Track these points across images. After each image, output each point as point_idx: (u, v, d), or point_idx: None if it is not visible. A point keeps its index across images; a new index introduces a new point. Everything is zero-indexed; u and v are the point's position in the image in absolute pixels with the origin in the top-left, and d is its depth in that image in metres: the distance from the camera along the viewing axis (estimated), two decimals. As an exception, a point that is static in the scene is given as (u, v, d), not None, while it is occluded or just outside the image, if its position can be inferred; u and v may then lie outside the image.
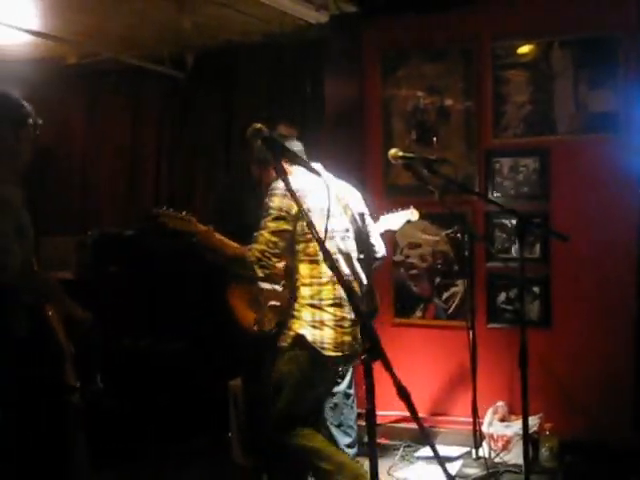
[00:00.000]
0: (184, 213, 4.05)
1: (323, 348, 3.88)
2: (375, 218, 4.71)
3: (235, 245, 3.95)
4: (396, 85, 5.75)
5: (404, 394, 2.28)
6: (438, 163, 4.45)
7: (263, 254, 3.83)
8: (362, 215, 4.25)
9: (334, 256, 3.91)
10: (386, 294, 5.77)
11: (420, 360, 5.62)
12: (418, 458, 5.25)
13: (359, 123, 5.89)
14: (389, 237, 5.24)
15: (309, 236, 3.87)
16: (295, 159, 3.88)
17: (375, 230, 4.41)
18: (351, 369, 4.87)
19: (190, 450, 5.47)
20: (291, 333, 3.90)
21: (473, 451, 5.08)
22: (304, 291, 3.92)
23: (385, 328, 5.45)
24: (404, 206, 5.12)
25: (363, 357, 2.37)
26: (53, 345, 3.30)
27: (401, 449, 5.39)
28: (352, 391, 4.90)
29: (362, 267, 4.14)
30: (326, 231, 3.74)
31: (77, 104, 7.09)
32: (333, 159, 5.63)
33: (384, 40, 5.81)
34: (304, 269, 3.93)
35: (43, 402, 3.20)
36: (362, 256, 4.15)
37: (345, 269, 3.98)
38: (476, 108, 5.55)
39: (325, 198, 3.80)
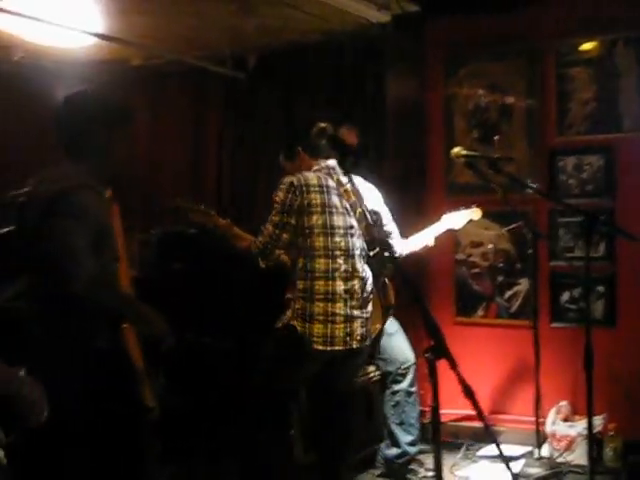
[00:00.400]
0: (203, 206, 4.25)
1: (311, 341, 3.95)
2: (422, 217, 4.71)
3: (250, 238, 4.16)
4: (458, 84, 5.75)
5: (469, 392, 2.28)
6: (502, 161, 4.45)
7: (266, 246, 4.04)
8: (376, 214, 4.26)
9: (333, 252, 4.01)
10: (448, 293, 5.78)
11: (482, 359, 5.60)
12: (480, 457, 5.23)
13: (421, 122, 5.89)
14: (450, 236, 5.22)
15: (307, 231, 4.00)
16: (322, 154, 4.05)
17: (395, 229, 4.41)
18: (413, 367, 4.89)
19: (249, 447, 5.49)
20: (284, 320, 4.04)
21: (535, 450, 5.06)
22: (298, 284, 4.03)
23: (447, 327, 5.44)
24: (465, 205, 5.10)
25: (427, 355, 2.38)
26: (125, 363, 3.10)
27: (463, 447, 5.38)
28: (414, 389, 4.90)
29: (373, 264, 4.18)
30: (326, 227, 3.97)
31: (141, 105, 7.17)
32: (394, 158, 5.67)
33: (446, 39, 5.80)
34: (300, 262, 4.04)
35: (112, 420, 3.04)
36: (371, 254, 4.17)
37: (343, 266, 4.02)
38: (539, 106, 5.51)
39: (332, 195, 4.01)
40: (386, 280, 4.37)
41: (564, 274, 5.42)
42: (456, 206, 5.08)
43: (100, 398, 2.95)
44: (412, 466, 4.99)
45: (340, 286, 3.99)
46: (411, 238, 4.71)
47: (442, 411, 2.45)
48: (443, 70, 5.81)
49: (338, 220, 4.03)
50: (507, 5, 5.48)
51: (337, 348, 3.98)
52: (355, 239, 4.08)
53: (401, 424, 4.88)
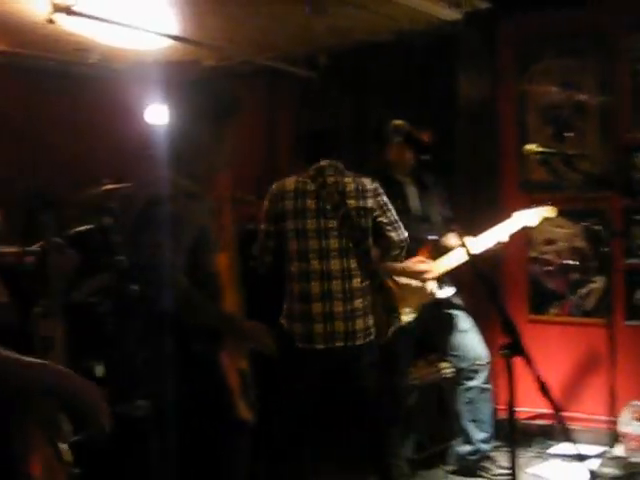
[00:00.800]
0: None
1: (293, 339, 4.07)
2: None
3: None
4: (530, 80, 5.70)
5: (545, 390, 2.29)
6: (576, 158, 4.42)
7: (258, 253, 4.24)
8: (365, 209, 4.24)
9: (306, 255, 4.10)
10: (521, 290, 5.75)
11: (555, 357, 5.56)
12: (552, 455, 5.21)
13: (493, 120, 5.86)
14: (524, 233, 5.20)
15: (283, 236, 4.14)
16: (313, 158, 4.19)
17: (391, 218, 4.35)
18: (487, 364, 4.88)
19: (342, 440, 5.53)
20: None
21: (608, 450, 5.01)
22: (285, 286, 4.19)
23: (520, 324, 5.43)
24: (538, 202, 5.07)
25: (503, 352, 2.39)
26: (213, 373, 2.99)
27: (536, 446, 5.35)
28: (488, 386, 4.89)
29: (362, 264, 4.19)
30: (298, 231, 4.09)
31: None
32: (467, 156, 5.67)
33: (518, 36, 5.76)
34: (285, 266, 4.17)
35: (193, 427, 2.99)
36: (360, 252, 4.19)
37: (318, 267, 4.09)
38: (613, 102, 5.44)
39: (307, 199, 4.12)
40: (384, 281, 4.39)
41: (639, 272, 5.37)
42: (529, 203, 5.06)
43: (182, 403, 2.92)
44: (485, 463, 4.97)
45: (315, 287, 4.08)
46: (482, 235, 4.71)
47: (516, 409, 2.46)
48: (515, 67, 5.77)
49: (312, 224, 4.11)
50: (579, 0, 5.43)
51: (318, 347, 4.05)
52: (332, 240, 4.13)
53: (474, 421, 4.88)
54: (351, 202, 4.18)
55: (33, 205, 2.41)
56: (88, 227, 4.64)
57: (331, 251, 4.11)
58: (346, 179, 4.22)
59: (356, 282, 4.14)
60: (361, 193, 4.25)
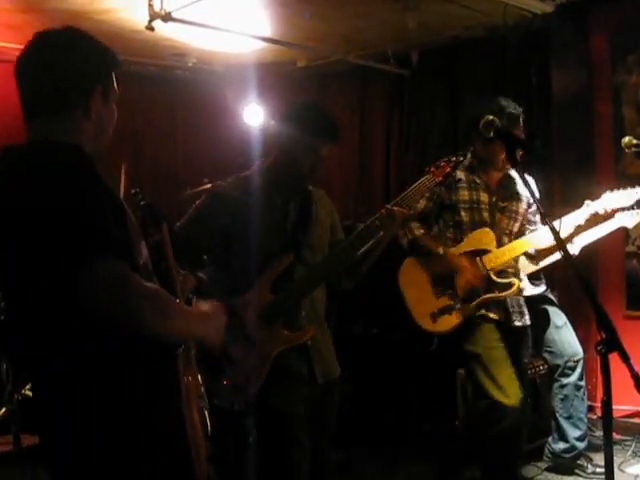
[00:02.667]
0: None
1: None
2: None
3: None
4: (626, 71, 5.58)
5: (642, 387, 2.26)
6: (674, 150, 4.32)
7: None
8: None
9: None
10: (617, 286, 5.66)
11: (653, 354, 5.46)
12: (651, 454, 5.12)
13: (588, 112, 5.78)
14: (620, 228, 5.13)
15: None
16: None
17: None
18: (582, 360, 4.83)
19: (416, 436, 5.55)
20: None
21: None
22: None
23: (616, 320, 5.33)
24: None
25: (599, 348, 2.36)
26: None
27: (633, 444, 5.25)
28: (583, 383, 4.84)
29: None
30: None
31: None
32: (562, 150, 5.61)
33: (612, 26, 5.66)
34: None
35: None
36: None
37: None
38: None
39: None
40: None
41: None
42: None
43: None
44: (580, 461, 4.92)
45: None
46: (582, 235, 4.63)
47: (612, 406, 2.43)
48: (609, 58, 5.66)
49: None
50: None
51: None
52: None
53: (569, 418, 4.82)
54: None
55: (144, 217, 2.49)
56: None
57: None
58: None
59: None
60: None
